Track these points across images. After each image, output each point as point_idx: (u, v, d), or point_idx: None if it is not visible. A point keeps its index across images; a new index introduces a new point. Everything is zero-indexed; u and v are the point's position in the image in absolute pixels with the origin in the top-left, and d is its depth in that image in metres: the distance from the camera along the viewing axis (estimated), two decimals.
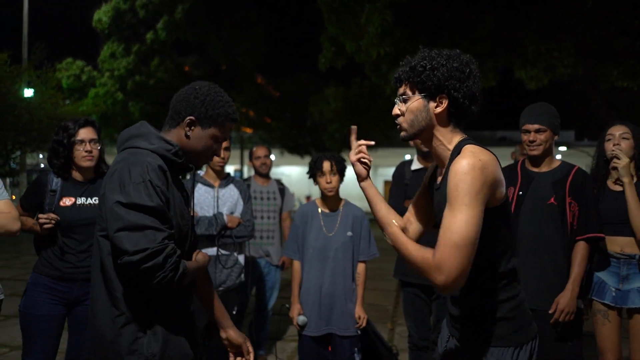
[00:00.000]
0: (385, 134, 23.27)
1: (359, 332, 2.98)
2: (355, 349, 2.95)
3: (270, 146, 22.37)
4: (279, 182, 4.42)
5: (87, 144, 2.62)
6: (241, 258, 3.30)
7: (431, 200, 1.79)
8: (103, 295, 1.59)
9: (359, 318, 2.95)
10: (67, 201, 2.60)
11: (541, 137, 2.64)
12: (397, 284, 7.27)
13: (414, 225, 1.88)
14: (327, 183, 2.92)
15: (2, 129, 11.48)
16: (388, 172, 33.06)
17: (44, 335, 2.53)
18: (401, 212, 3.19)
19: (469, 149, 1.49)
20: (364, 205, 3.25)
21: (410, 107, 1.60)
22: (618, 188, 2.74)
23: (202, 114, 1.65)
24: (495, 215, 1.52)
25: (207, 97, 1.66)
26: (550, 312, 2.52)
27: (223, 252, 3.17)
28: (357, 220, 3.01)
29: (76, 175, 2.68)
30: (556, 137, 2.71)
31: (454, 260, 1.38)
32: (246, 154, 23.59)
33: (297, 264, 3.05)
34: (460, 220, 1.40)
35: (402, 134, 1.67)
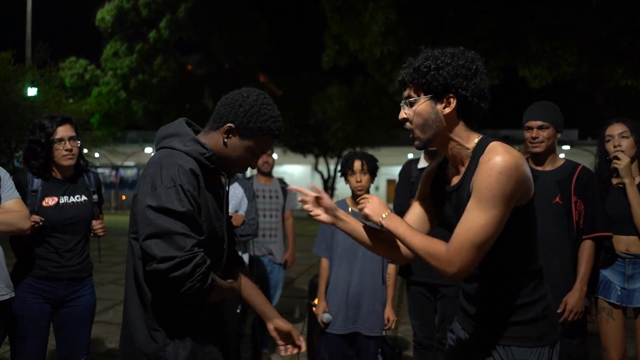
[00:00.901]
0: (389, 132, 23.28)
1: (385, 332, 2.98)
2: (379, 349, 2.95)
3: (272, 145, 22.35)
4: (281, 180, 4.43)
5: (67, 142, 2.54)
6: (245, 257, 3.31)
7: (434, 204, 1.74)
8: (136, 298, 1.58)
9: (388, 320, 2.95)
10: (50, 201, 2.53)
11: (544, 134, 2.63)
12: (400, 283, 7.26)
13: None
14: (357, 182, 2.91)
15: (6, 127, 11.51)
16: (391, 171, 33.08)
17: (35, 335, 2.49)
18: (407, 209, 3.20)
19: (499, 146, 1.45)
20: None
21: (417, 110, 1.55)
22: (622, 187, 2.73)
23: (243, 124, 1.58)
24: (527, 212, 1.51)
25: (253, 107, 1.58)
26: (558, 311, 2.52)
27: None
28: None
29: (56, 173, 2.60)
30: (559, 135, 2.70)
31: (469, 259, 1.41)
32: None
33: (325, 262, 3.04)
34: (485, 222, 1.40)
35: (416, 143, 1.59)
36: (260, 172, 4.27)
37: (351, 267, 2.93)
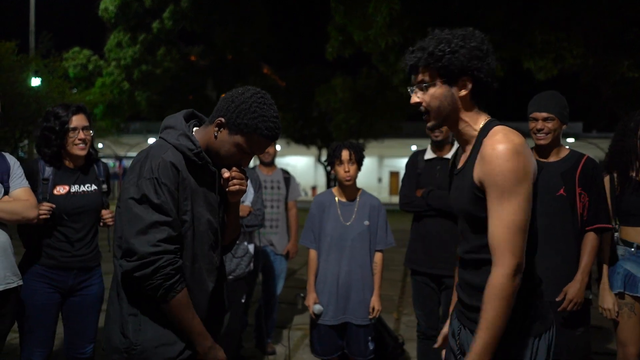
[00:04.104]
0: (392, 124, 23.19)
1: (374, 320, 2.99)
2: (369, 337, 2.97)
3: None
4: (284, 171, 4.42)
5: (81, 131, 2.56)
6: (251, 247, 3.32)
7: None
8: (115, 296, 1.68)
9: (373, 309, 2.95)
10: (61, 189, 2.54)
11: (549, 125, 2.60)
12: (402, 274, 7.28)
13: None
14: (345, 172, 2.90)
15: (10, 118, 11.52)
16: (394, 163, 32.96)
17: (44, 324, 2.51)
18: (413, 200, 3.20)
19: (500, 131, 1.47)
20: (378, 196, 3.24)
21: (434, 94, 1.53)
22: None
23: (232, 119, 1.60)
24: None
25: (244, 104, 1.60)
26: (557, 299, 2.52)
27: None
28: (374, 210, 3.01)
29: (68, 162, 2.61)
30: (564, 127, 2.68)
31: (513, 250, 1.40)
32: None
33: (313, 253, 3.04)
34: (511, 211, 1.40)
35: (431, 123, 1.60)
36: (261, 162, 4.27)
37: (340, 258, 2.93)
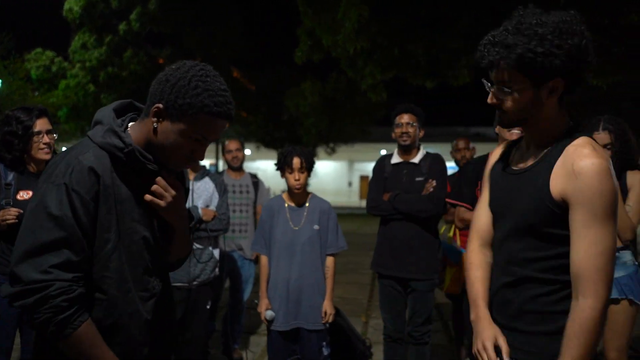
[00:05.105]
0: (362, 128, 23.38)
1: (328, 325, 2.96)
2: (324, 342, 2.94)
3: (246, 140, 22.25)
4: (253, 175, 4.40)
5: (45, 135, 2.50)
6: (216, 252, 3.28)
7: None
8: None
9: (325, 314, 2.93)
10: (24, 194, 2.48)
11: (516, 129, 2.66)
12: (371, 278, 7.32)
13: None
14: (296, 180, 2.89)
15: None
16: (364, 167, 33.18)
17: (8, 336, 2.46)
18: (380, 204, 3.22)
19: (589, 143, 1.31)
20: (336, 199, 3.26)
21: (517, 99, 1.32)
22: None
23: (170, 103, 1.30)
24: None
25: (180, 80, 1.30)
26: None
27: (197, 245, 3.14)
28: (324, 214, 3.00)
29: (32, 167, 2.55)
30: None
31: (606, 280, 1.26)
32: (222, 148, 23.28)
33: (264, 259, 3.02)
34: (610, 237, 1.26)
35: (505, 121, 1.40)
36: (230, 167, 4.25)
37: (290, 263, 2.92)
